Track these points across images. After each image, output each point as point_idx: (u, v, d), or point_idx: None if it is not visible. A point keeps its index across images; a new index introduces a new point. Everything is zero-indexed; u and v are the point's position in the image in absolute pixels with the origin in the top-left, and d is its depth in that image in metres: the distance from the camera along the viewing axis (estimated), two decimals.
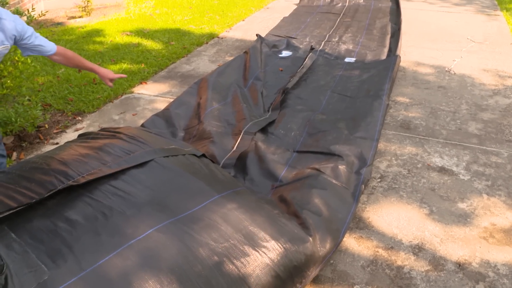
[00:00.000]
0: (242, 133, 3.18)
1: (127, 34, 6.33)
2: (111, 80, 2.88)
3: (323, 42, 5.61)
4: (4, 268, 1.55)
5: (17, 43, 2.39)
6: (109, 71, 2.87)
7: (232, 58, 5.03)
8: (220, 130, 3.25)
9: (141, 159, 2.13)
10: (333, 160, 2.87)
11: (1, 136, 2.69)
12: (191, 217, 1.85)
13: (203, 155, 2.45)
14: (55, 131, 3.63)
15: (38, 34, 2.47)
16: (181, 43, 5.92)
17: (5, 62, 3.19)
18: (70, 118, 3.83)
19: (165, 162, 2.16)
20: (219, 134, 3.19)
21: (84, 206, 1.85)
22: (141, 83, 4.55)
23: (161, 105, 4.00)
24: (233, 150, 3.03)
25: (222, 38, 6.20)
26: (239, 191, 2.13)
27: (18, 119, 3.32)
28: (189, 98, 3.87)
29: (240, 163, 2.89)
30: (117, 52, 5.49)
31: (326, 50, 5.31)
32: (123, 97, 4.24)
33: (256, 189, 2.61)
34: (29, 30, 2.40)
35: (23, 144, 3.43)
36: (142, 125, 3.42)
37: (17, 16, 2.35)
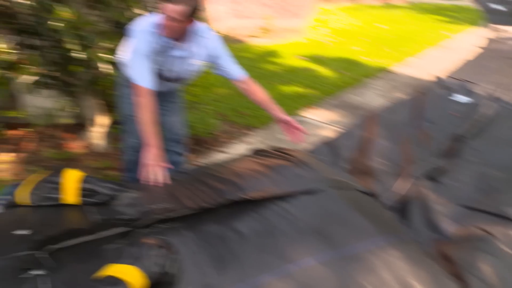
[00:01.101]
0: (408, 176, 3.05)
1: (302, 58, 6.56)
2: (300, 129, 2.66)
3: (508, 92, 5.16)
4: (178, 261, 1.69)
5: (211, 60, 2.61)
6: (292, 123, 2.66)
7: (403, 95, 4.89)
8: (385, 169, 3.17)
9: (311, 186, 2.16)
10: (507, 225, 2.60)
11: (182, 136, 2.95)
12: (353, 255, 1.82)
13: (369, 193, 2.41)
14: (226, 140, 3.89)
15: (230, 58, 2.63)
16: (353, 73, 5.94)
17: None
18: (241, 130, 4.08)
19: (333, 194, 2.17)
20: (384, 173, 3.11)
21: (252, 221, 1.94)
22: (310, 107, 4.66)
23: (327, 132, 4.05)
24: (397, 192, 2.92)
25: (394, 73, 6.08)
26: (403, 238, 2.05)
27: (197, 125, 3.63)
28: (356, 131, 3.84)
29: (403, 207, 2.77)
30: (291, 75, 5.71)
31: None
32: None
33: (417, 238, 2.47)
34: (222, 51, 2.58)
35: (197, 148, 3.73)
36: (309, 151, 3.49)
37: (217, 36, 2.57)
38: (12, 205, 2.08)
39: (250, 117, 4.31)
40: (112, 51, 2.86)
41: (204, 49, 2.50)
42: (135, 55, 2.37)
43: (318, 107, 4.71)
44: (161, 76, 2.55)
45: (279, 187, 2.12)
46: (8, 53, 2.79)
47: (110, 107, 4.08)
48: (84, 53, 2.85)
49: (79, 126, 4.20)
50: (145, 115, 2.34)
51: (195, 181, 2.26)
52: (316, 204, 2.05)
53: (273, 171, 2.26)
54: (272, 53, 6.81)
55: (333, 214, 2.02)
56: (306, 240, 1.85)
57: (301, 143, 2.73)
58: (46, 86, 3.25)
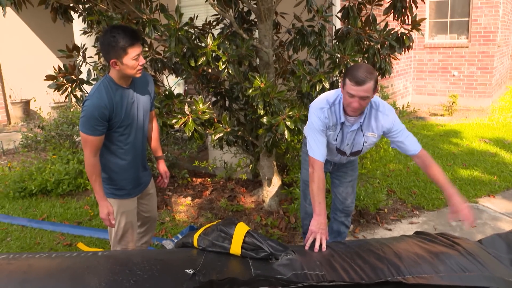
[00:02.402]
0: None
1: (485, 141, 6.14)
2: (469, 219, 2.53)
3: None
4: None
5: (385, 134, 2.62)
6: (467, 212, 2.49)
7: None
8: None
9: (476, 282, 2.01)
10: None
11: (351, 208, 2.98)
12: None
13: None
14: (391, 217, 3.80)
15: (406, 133, 2.57)
16: None
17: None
18: (409, 210, 3.95)
19: None
20: None
21: None
22: (488, 195, 4.31)
23: (505, 225, 3.69)
24: None
25: None
26: None
27: (364, 197, 3.63)
28: None
29: None
30: (471, 157, 5.37)
31: None
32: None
33: None
34: (398, 126, 2.54)
35: (361, 220, 3.72)
36: (480, 241, 3.21)
37: (392, 110, 2.58)
38: (180, 245, 2.36)
39: (420, 197, 4.16)
40: (294, 119, 3.08)
41: (378, 123, 2.54)
42: (311, 129, 2.54)
43: (498, 196, 4.33)
44: (337, 149, 2.66)
45: (441, 277, 2.02)
46: (205, 112, 3.22)
47: (283, 170, 4.35)
48: (270, 119, 3.13)
49: (254, 183, 4.55)
50: (314, 185, 2.48)
51: (354, 254, 2.27)
52: None
53: (436, 258, 2.16)
54: (453, 133, 6.51)
55: None
56: None
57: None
58: (231, 143, 3.62)
